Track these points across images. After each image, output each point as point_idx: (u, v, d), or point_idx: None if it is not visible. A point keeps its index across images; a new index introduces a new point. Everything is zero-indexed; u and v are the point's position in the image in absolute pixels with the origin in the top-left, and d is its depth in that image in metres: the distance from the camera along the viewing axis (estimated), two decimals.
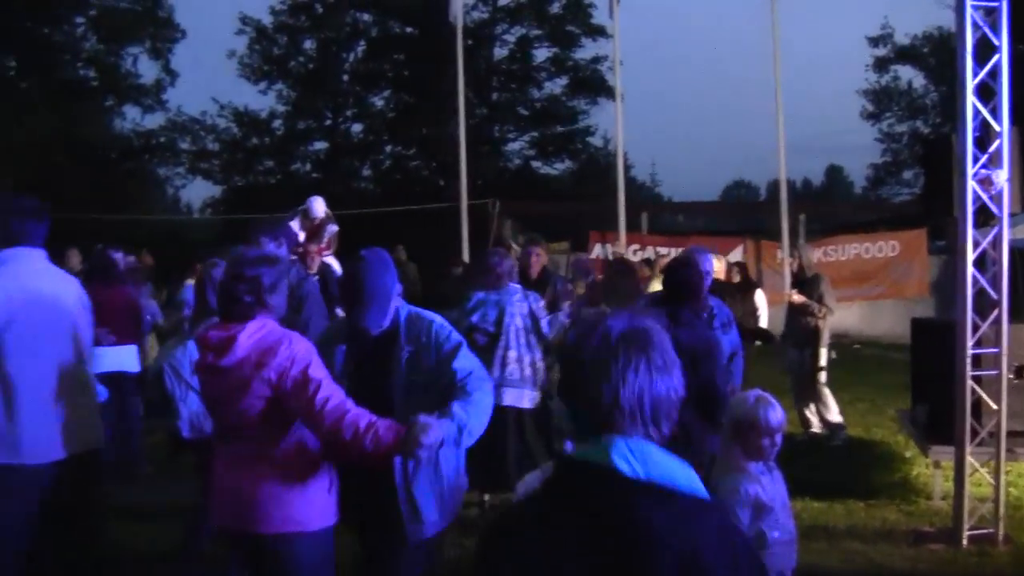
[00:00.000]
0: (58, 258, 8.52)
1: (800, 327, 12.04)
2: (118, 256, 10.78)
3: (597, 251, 22.76)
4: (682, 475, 2.39)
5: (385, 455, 4.27)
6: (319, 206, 11.37)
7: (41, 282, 5.35)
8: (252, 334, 4.38)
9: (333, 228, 11.58)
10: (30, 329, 5.17)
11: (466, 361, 4.72)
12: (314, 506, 4.44)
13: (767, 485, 4.84)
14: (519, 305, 8.47)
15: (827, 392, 11.94)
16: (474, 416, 4.51)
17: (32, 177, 34.65)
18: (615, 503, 2.33)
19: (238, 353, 4.34)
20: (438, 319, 4.86)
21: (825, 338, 12.04)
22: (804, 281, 12.20)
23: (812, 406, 12.03)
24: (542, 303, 8.78)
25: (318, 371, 4.32)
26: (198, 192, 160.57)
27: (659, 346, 2.49)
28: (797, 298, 11.99)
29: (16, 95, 32.06)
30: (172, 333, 10.13)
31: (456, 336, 4.80)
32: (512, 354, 8.35)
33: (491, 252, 9.08)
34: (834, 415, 11.91)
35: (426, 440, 4.13)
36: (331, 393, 4.26)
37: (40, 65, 34.19)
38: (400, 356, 4.77)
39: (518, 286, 8.70)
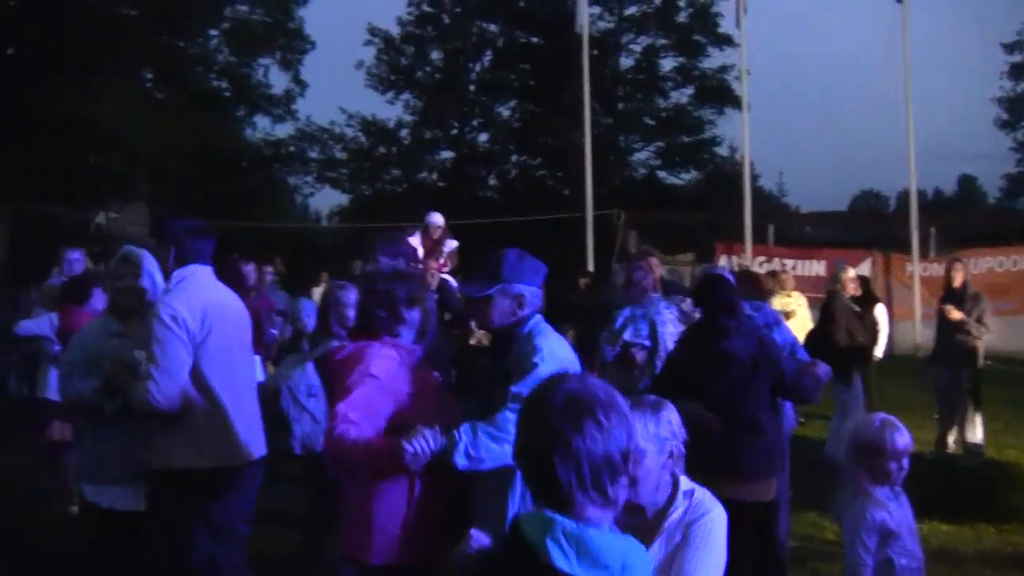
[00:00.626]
0: None
1: (955, 345, 11.53)
2: (248, 269, 10.95)
3: (723, 263, 22.53)
4: (614, 562, 2.35)
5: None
6: (438, 221, 11.30)
7: (222, 296, 5.58)
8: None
9: (452, 244, 11.45)
10: (222, 340, 5.38)
11: (524, 389, 4.21)
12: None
13: (894, 511, 4.69)
14: (667, 313, 8.36)
15: (977, 413, 11.60)
16: (484, 444, 4.19)
17: (167, 186, 35.51)
18: None
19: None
20: (542, 341, 4.48)
21: (981, 358, 11.66)
22: (961, 297, 11.68)
23: (955, 426, 11.69)
24: (688, 301, 8.64)
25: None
26: (326, 201, 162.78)
27: (604, 403, 2.44)
28: (956, 314, 11.48)
29: (152, 106, 32.81)
30: (291, 349, 10.23)
31: (535, 362, 4.35)
32: None
33: (635, 267, 8.95)
34: (978, 436, 11.57)
35: (407, 447, 4.09)
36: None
37: (175, 77, 34.98)
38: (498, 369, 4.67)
39: (659, 295, 8.59)
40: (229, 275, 10.26)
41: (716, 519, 3.58)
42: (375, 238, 7.77)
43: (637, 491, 3.24)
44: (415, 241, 10.35)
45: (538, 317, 4.54)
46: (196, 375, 5.29)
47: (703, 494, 3.46)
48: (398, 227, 12.24)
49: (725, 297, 6.48)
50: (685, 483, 3.08)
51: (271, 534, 8.07)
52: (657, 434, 3.53)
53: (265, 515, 8.53)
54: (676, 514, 3.57)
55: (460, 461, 4.15)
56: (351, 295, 6.41)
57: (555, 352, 4.38)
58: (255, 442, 5.53)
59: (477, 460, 4.17)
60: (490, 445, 4.16)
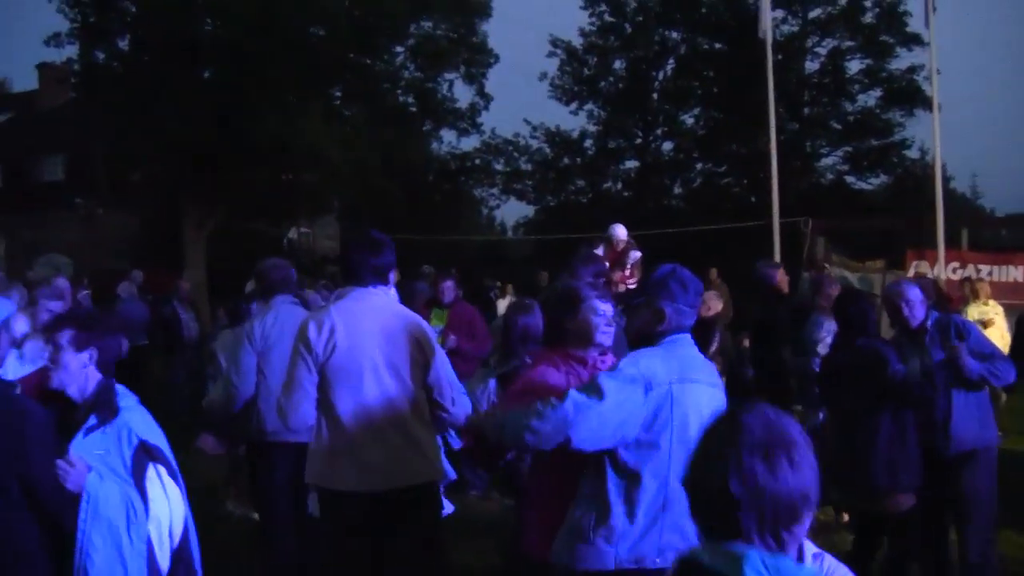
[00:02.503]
0: None
1: None
2: (447, 285, 11.19)
3: (913, 270, 21.98)
4: None
5: None
6: (621, 232, 11.26)
7: (369, 318, 5.55)
8: None
9: (636, 255, 11.39)
10: (349, 361, 5.43)
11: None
12: None
13: None
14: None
15: None
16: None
17: (356, 200, 36.40)
18: None
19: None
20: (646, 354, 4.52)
21: None
22: None
23: None
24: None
25: None
26: (512, 212, 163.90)
27: (795, 443, 2.36)
28: None
29: (341, 123, 33.64)
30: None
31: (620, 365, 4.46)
32: None
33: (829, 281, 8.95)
34: None
35: None
36: None
37: (363, 94, 35.78)
38: None
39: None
40: (403, 292, 10.58)
41: None
42: (574, 255, 7.79)
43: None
44: (599, 252, 10.39)
45: (681, 336, 4.50)
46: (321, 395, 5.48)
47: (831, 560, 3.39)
48: (584, 239, 12.32)
49: (854, 313, 6.78)
50: (809, 547, 2.99)
51: (471, 547, 8.26)
52: None
53: (463, 526, 8.74)
54: None
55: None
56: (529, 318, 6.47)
57: (640, 361, 4.37)
58: (366, 475, 5.41)
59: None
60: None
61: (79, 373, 4.35)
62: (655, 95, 45.94)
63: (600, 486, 4.33)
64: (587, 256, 7.74)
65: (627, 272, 11.07)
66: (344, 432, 5.40)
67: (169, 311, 16.32)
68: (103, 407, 4.25)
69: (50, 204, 41.35)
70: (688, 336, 4.51)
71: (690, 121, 45.65)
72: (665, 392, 4.26)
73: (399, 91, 39.22)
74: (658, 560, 4.21)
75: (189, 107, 29.09)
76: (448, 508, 6.03)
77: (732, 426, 2.37)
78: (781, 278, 10.48)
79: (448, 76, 39.76)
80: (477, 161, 47.21)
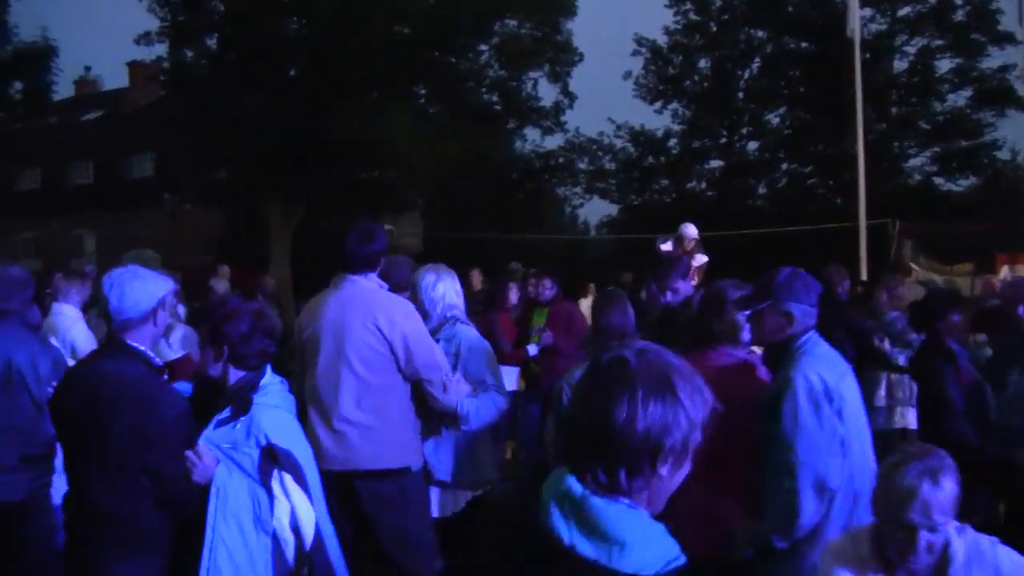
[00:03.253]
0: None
1: None
2: (511, 287, 11.57)
3: (1004, 274, 21.56)
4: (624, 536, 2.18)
5: None
6: (692, 231, 11.13)
7: (334, 307, 5.69)
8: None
9: (702, 259, 11.23)
10: (310, 350, 5.70)
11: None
12: None
13: None
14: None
15: None
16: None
17: (439, 198, 36.52)
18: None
19: None
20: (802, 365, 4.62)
21: None
22: None
23: None
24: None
25: None
26: (595, 211, 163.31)
27: (686, 374, 2.31)
28: None
29: (426, 122, 33.77)
30: None
31: (786, 395, 4.62)
32: None
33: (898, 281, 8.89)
34: None
35: None
36: None
37: (447, 93, 35.87)
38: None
39: None
40: (489, 290, 10.63)
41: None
42: (671, 264, 7.75)
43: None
44: (666, 248, 10.30)
45: (810, 335, 4.60)
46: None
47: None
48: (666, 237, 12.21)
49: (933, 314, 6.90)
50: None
51: None
52: None
53: None
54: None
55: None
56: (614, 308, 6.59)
57: (809, 377, 4.42)
58: (321, 454, 5.43)
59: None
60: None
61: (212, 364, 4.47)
62: (740, 94, 45.63)
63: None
64: (680, 265, 7.68)
65: (690, 275, 10.99)
66: (307, 415, 5.53)
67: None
68: (238, 401, 4.30)
69: (139, 201, 42.06)
70: (817, 334, 4.62)
71: (775, 121, 45.32)
72: (838, 396, 4.39)
73: (483, 90, 39.23)
74: None
75: (274, 105, 29.36)
76: (433, 511, 5.91)
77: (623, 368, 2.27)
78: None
79: (532, 75, 39.69)
80: (560, 160, 47.25)
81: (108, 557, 4.16)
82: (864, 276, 20.32)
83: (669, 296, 7.35)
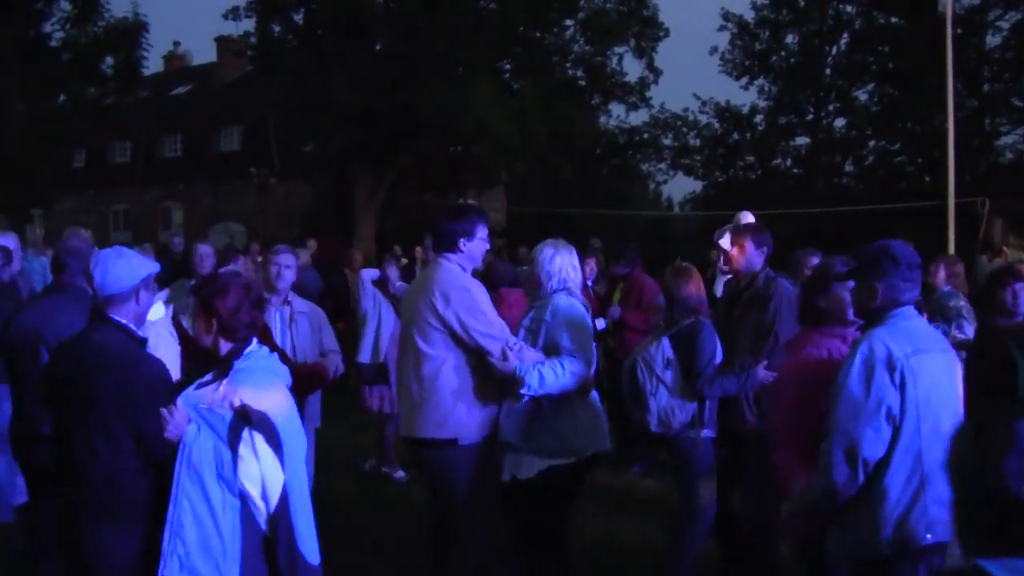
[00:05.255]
0: None
1: None
2: (590, 262, 11.61)
3: None
4: None
5: None
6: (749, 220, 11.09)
7: (415, 286, 6.20)
8: None
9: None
10: (402, 327, 6.21)
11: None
12: None
13: None
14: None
15: None
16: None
17: (524, 173, 36.55)
18: None
19: None
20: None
21: None
22: None
23: None
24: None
25: None
26: (679, 187, 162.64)
27: None
28: None
29: (511, 96, 33.81)
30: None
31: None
32: None
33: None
34: None
35: None
36: None
37: (533, 68, 35.86)
38: None
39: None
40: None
41: None
42: (741, 226, 7.75)
43: None
44: (723, 242, 10.25)
45: (901, 309, 4.54)
46: None
47: None
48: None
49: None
50: None
51: (631, 525, 8.28)
52: None
53: (624, 504, 8.72)
54: None
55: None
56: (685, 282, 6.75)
57: (873, 344, 4.43)
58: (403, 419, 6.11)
59: None
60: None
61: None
62: (828, 70, 44.93)
63: None
64: (748, 225, 7.62)
65: None
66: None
67: (339, 280, 16.56)
68: (221, 365, 4.41)
69: (227, 174, 42.66)
70: (911, 308, 4.57)
71: (864, 97, 44.50)
72: (901, 368, 4.32)
73: (568, 65, 39.15)
74: (929, 536, 4.31)
75: (361, 80, 29.57)
76: (515, 470, 6.00)
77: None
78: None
79: (618, 50, 39.52)
80: (645, 136, 47.11)
81: (91, 523, 4.34)
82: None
83: (742, 262, 7.14)
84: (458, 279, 5.86)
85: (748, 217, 9.50)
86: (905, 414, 4.30)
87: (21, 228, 29.85)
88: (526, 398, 5.84)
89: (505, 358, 5.72)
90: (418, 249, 15.49)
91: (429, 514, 6.50)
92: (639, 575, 7.27)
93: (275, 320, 7.35)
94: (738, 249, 6.92)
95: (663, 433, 6.53)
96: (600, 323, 10.51)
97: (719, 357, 6.54)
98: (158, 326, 6.03)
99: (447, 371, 5.77)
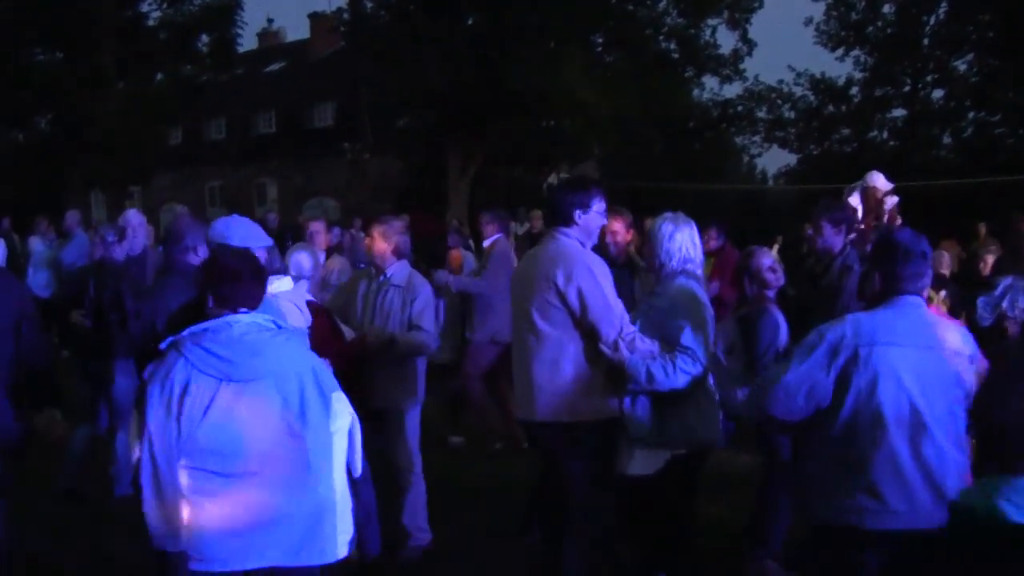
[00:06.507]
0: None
1: None
2: (712, 232, 11.60)
3: None
4: None
5: None
6: (880, 181, 10.78)
7: (525, 263, 6.17)
8: None
9: (893, 200, 10.85)
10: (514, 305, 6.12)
11: None
12: None
13: None
14: None
15: None
16: None
17: (616, 147, 36.39)
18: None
19: None
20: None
21: None
22: None
23: None
24: None
25: None
26: (773, 161, 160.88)
27: None
28: None
29: (603, 69, 33.65)
30: None
31: None
32: None
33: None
34: None
35: None
36: None
37: (625, 41, 35.64)
38: None
39: None
40: None
41: None
42: (820, 204, 7.62)
43: None
44: (854, 201, 10.04)
45: (895, 299, 4.53)
46: None
47: None
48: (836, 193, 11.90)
49: None
50: None
51: (724, 500, 8.12)
52: None
53: (715, 480, 8.63)
54: None
55: None
56: (765, 258, 6.66)
57: (837, 324, 4.50)
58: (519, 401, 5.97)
59: None
60: None
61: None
62: (926, 40, 44.07)
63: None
64: (826, 205, 7.49)
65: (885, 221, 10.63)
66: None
67: (427, 254, 16.58)
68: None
69: (320, 150, 43.00)
70: (914, 299, 4.52)
71: (963, 68, 43.69)
72: (847, 355, 4.34)
73: (661, 37, 38.85)
74: (852, 521, 4.37)
75: (452, 55, 29.63)
76: (632, 468, 5.85)
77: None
78: None
79: (711, 22, 39.16)
80: (739, 108, 46.84)
81: None
82: None
83: (819, 243, 7.17)
84: (580, 255, 5.71)
85: (879, 178, 9.24)
86: (839, 400, 4.35)
87: (120, 204, 30.48)
88: (635, 391, 5.67)
89: (616, 348, 5.55)
90: (513, 223, 15.40)
91: (542, 493, 6.48)
92: (727, 552, 7.11)
93: (361, 287, 7.35)
94: (815, 230, 6.86)
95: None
96: None
97: (783, 342, 6.43)
98: (288, 298, 6.05)
99: (567, 353, 5.63)
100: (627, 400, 5.70)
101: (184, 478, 4.04)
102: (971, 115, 43.60)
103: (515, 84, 28.22)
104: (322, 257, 9.65)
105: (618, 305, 5.64)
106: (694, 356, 5.64)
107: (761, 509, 6.78)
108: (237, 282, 4.28)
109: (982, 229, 19.59)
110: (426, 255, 16.26)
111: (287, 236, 15.33)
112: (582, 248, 5.78)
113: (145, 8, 33.52)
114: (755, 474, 7.42)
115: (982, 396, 2.45)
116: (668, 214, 6.11)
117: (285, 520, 4.15)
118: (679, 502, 6.03)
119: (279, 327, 4.30)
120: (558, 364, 5.62)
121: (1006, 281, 7.63)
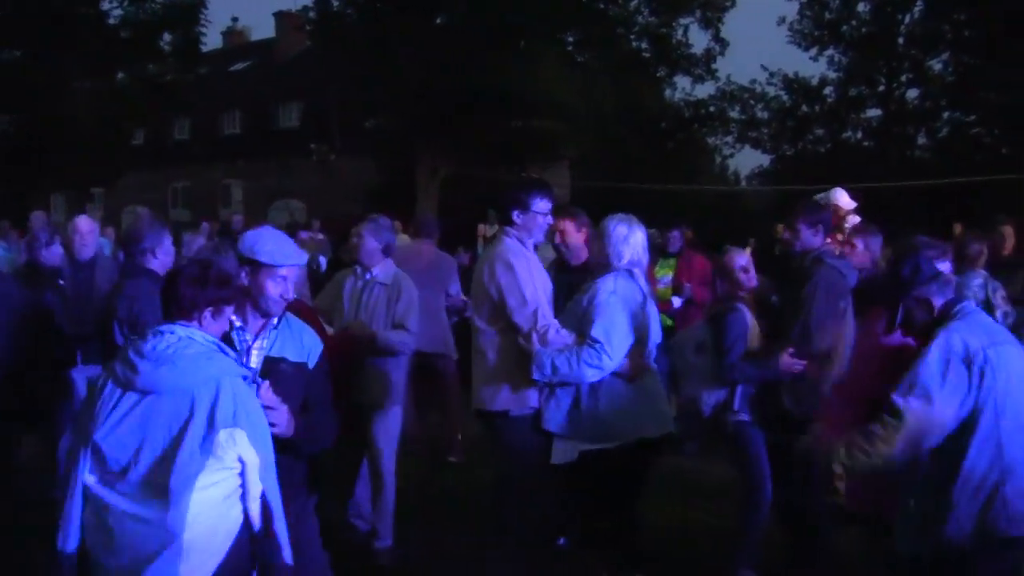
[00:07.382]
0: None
1: None
2: (674, 235, 11.63)
3: None
4: None
5: None
6: (844, 199, 10.54)
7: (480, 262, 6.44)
8: None
9: (855, 220, 10.64)
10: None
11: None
12: None
13: None
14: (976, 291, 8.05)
15: None
16: None
17: (589, 148, 36.07)
18: None
19: None
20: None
21: None
22: None
23: None
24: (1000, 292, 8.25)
25: None
26: (746, 161, 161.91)
27: None
28: None
29: (574, 69, 33.35)
30: None
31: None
32: None
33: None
34: None
35: None
36: None
37: (597, 40, 35.38)
38: None
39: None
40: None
41: None
42: (796, 205, 7.33)
43: None
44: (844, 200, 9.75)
45: (960, 306, 4.54)
46: None
47: None
48: (822, 190, 11.58)
49: None
50: None
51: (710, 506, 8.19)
52: None
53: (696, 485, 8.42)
54: None
55: None
56: (741, 259, 6.73)
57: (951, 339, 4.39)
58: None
59: None
60: None
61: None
62: (901, 39, 44.12)
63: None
64: (802, 206, 7.25)
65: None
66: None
67: None
68: None
69: (287, 150, 42.52)
70: (971, 302, 4.63)
71: (938, 67, 43.72)
72: (981, 361, 4.28)
73: (632, 37, 38.68)
74: (1010, 530, 4.26)
75: (422, 54, 29.24)
76: (560, 456, 6.01)
77: None
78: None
79: (683, 21, 39.12)
80: (712, 108, 47.06)
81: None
82: None
83: (797, 245, 6.96)
84: (506, 253, 5.97)
85: (840, 196, 9.01)
86: (984, 407, 4.25)
87: (82, 206, 29.94)
88: (540, 383, 5.88)
89: (528, 340, 5.78)
90: (481, 225, 15.64)
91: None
92: (707, 558, 7.11)
93: (347, 286, 7.41)
94: (792, 233, 6.73)
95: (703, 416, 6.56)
96: (676, 301, 10.85)
97: (747, 342, 6.45)
98: None
99: (497, 345, 5.98)
100: (546, 392, 5.95)
101: (86, 479, 4.00)
102: (947, 115, 43.70)
103: (488, 83, 27.90)
104: None
105: (536, 300, 5.86)
106: (600, 349, 5.77)
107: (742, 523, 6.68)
108: (176, 294, 4.21)
109: (957, 230, 19.20)
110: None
111: None
112: (519, 246, 6.02)
113: (106, 6, 32.95)
114: (733, 483, 7.32)
115: None
116: (620, 215, 6.27)
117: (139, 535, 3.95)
118: (622, 497, 6.19)
119: (219, 347, 4.15)
120: (486, 356, 6.01)
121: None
